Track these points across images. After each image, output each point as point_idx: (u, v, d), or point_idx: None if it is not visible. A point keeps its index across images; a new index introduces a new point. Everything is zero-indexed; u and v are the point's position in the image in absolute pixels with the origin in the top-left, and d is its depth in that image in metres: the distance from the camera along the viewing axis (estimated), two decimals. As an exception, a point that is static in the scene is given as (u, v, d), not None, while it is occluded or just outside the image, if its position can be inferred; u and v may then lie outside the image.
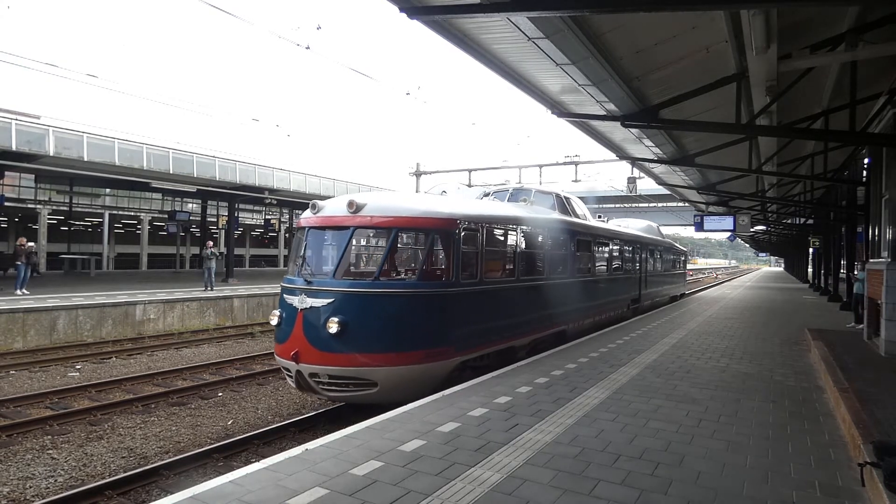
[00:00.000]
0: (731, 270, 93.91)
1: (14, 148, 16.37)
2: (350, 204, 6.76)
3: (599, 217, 15.55)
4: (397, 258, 8.29)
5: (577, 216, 11.63)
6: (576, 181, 26.35)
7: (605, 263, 13.36)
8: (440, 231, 7.09)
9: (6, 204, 26.90)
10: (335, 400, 7.16)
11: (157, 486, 5.43)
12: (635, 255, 16.03)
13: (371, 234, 7.70)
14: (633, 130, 11.23)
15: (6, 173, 22.17)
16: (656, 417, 5.23)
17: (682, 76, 8.85)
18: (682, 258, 26.20)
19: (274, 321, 6.91)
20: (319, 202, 7.30)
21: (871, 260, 10.89)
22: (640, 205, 47.19)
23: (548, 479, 3.77)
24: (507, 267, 8.54)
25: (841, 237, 21.37)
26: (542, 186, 11.42)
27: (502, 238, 8.56)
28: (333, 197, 8.15)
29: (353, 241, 7.18)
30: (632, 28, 7.23)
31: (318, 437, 4.80)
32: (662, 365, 7.75)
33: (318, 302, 6.41)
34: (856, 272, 12.97)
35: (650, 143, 12.58)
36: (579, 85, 8.28)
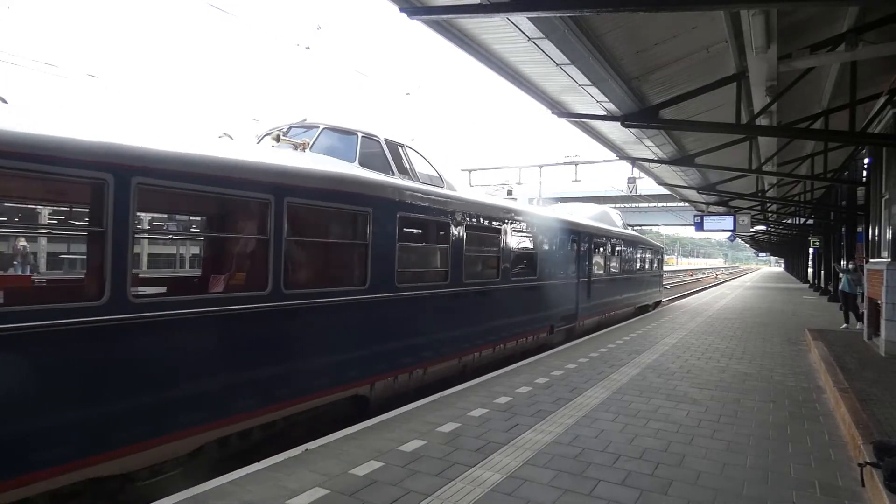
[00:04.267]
0: (730, 270, 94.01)
1: (14, 148, 16.39)
2: None
3: (511, 195, 11.56)
4: None
5: (414, 177, 6.85)
6: (576, 181, 26.36)
7: (492, 263, 8.52)
8: None
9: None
10: None
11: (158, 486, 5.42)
12: (570, 252, 11.60)
13: None
14: (633, 130, 11.24)
15: (6, 173, 22.16)
16: (656, 417, 5.23)
17: (682, 76, 8.87)
18: (658, 257, 21.08)
19: None
20: None
21: (872, 260, 10.90)
22: (640, 205, 47.19)
23: (548, 479, 3.77)
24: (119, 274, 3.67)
25: (841, 237, 21.38)
26: (341, 123, 6.65)
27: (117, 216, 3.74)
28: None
29: None
30: (631, 28, 7.24)
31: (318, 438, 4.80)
32: (662, 365, 7.75)
33: None
34: (842, 264, 12.79)
35: (650, 144, 12.60)
36: (579, 85, 8.29)
